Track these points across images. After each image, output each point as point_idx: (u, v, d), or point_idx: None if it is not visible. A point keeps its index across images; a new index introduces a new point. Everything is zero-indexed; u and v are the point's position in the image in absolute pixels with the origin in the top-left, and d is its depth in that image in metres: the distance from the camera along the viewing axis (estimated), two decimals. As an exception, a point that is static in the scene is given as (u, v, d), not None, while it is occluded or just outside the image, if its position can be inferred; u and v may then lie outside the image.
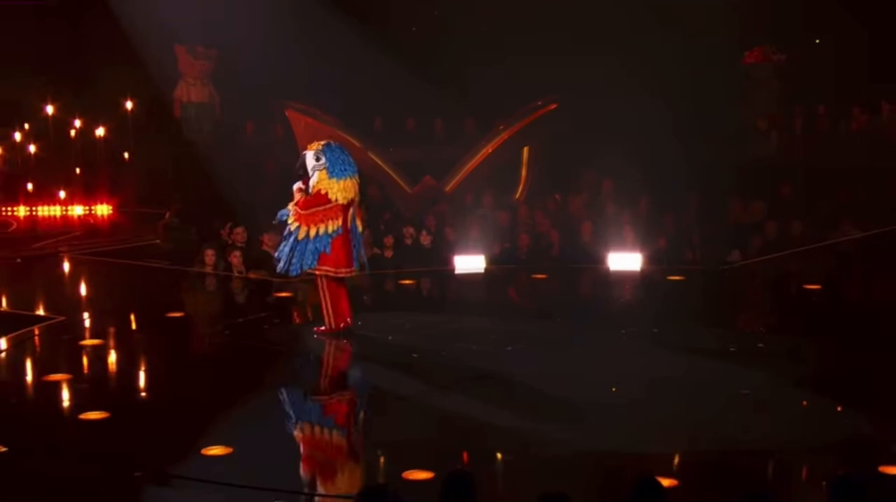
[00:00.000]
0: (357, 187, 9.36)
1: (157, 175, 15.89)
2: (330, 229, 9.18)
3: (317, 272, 9.29)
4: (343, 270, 9.35)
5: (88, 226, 16.26)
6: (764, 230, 13.29)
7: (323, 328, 9.49)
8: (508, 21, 16.15)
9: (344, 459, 7.00)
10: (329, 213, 9.18)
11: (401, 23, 16.67)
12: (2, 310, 11.30)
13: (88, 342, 9.46)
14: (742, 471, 6.28)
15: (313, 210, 9.17)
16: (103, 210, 16.94)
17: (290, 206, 9.30)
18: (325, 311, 9.43)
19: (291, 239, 9.23)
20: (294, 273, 9.30)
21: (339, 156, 9.26)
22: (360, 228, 9.58)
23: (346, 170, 9.23)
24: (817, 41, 16.30)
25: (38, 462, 6.46)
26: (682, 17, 14.86)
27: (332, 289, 9.37)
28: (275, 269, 9.68)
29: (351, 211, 9.34)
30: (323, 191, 9.18)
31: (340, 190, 9.18)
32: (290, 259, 9.21)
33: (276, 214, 9.47)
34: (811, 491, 6.12)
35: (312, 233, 9.16)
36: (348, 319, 9.49)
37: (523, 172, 15.19)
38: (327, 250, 9.18)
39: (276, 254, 9.57)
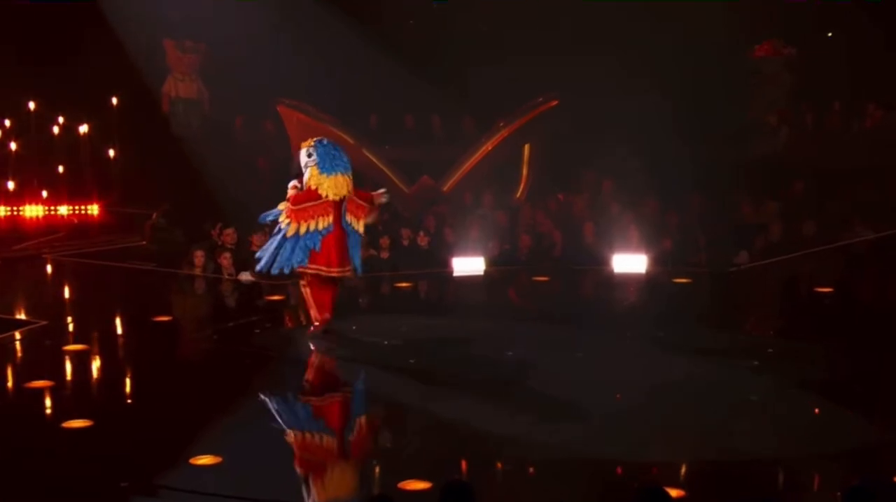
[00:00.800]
0: (350, 184, 9.20)
1: (143, 173, 15.69)
2: (320, 226, 9.04)
3: (308, 270, 9.10)
4: (335, 270, 9.16)
5: (72, 227, 16.06)
6: (773, 231, 13.07)
7: (313, 327, 9.31)
8: (508, 20, 16.04)
9: (337, 469, 6.82)
10: (318, 210, 9.04)
11: (399, 20, 16.52)
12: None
13: (72, 347, 9.24)
14: (750, 480, 6.14)
15: (303, 206, 9.05)
16: (89, 209, 16.70)
17: (282, 205, 9.14)
18: (308, 307, 9.31)
19: (279, 236, 9.06)
20: (276, 271, 9.08)
21: (329, 152, 9.16)
22: (359, 229, 9.33)
23: (336, 165, 9.11)
24: (829, 34, 16.10)
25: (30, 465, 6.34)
26: (683, 15, 14.74)
27: (315, 287, 9.20)
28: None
29: (343, 208, 9.14)
30: (313, 187, 9.06)
31: (331, 186, 9.06)
32: (274, 256, 9.01)
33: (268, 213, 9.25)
34: (822, 502, 6.02)
35: (302, 229, 9.00)
36: (328, 314, 9.28)
37: (524, 171, 15.09)
38: (317, 247, 9.02)
39: (257, 254, 9.40)
